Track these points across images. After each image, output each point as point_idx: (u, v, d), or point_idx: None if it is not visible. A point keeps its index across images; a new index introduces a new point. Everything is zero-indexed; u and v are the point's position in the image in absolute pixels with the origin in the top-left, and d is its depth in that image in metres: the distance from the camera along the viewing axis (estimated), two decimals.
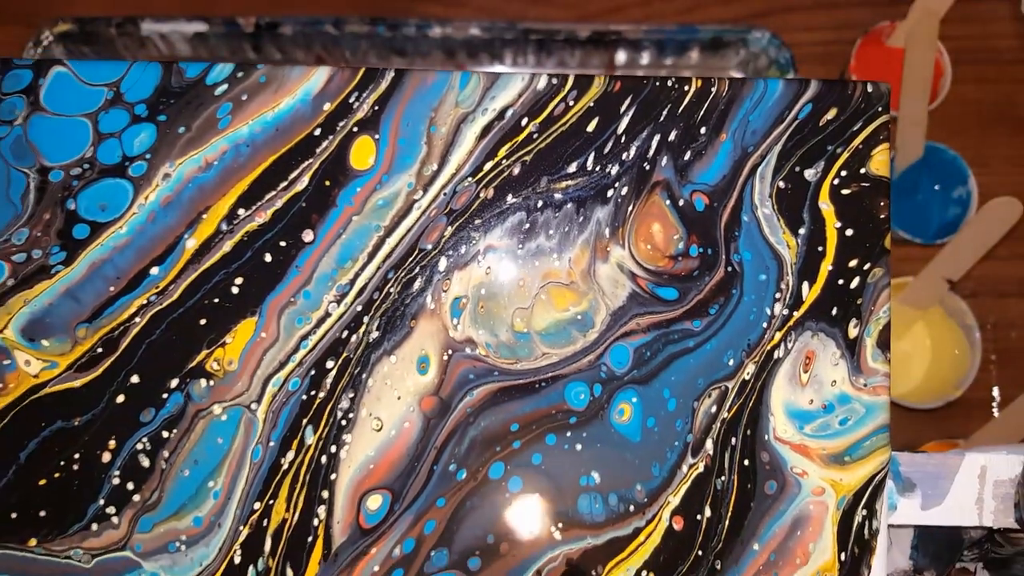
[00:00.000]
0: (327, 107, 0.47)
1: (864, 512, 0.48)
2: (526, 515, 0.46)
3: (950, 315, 0.76)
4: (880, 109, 0.49)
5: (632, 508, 0.47)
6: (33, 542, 0.46)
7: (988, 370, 0.78)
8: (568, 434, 0.47)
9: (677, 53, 0.78)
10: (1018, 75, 0.83)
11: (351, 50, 0.77)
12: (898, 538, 0.51)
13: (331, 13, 0.77)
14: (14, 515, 0.46)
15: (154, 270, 0.47)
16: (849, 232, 0.48)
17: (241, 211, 0.47)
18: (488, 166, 0.48)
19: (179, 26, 0.75)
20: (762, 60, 0.77)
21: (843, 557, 0.47)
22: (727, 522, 0.47)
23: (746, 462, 0.47)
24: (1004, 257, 0.77)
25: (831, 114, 0.49)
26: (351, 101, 0.48)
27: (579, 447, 0.47)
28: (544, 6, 0.83)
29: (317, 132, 0.47)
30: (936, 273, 0.72)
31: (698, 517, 0.47)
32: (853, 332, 0.48)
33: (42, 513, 0.46)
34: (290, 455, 0.46)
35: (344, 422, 0.46)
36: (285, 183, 0.47)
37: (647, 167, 0.48)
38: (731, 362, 0.47)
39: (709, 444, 0.47)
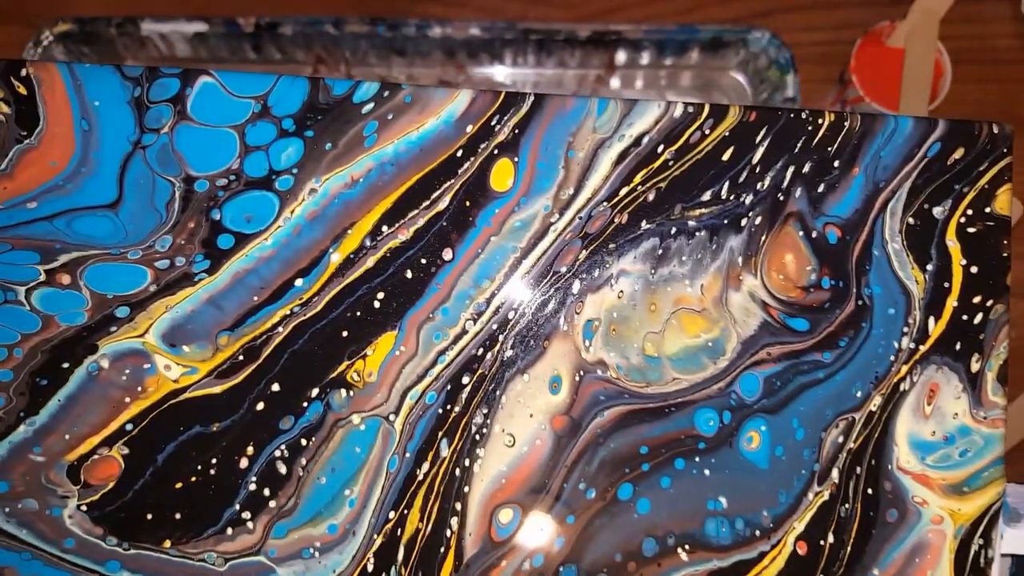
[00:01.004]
0: (470, 129, 0.46)
1: (980, 541, 0.46)
2: (653, 536, 0.45)
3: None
4: (1005, 151, 0.47)
5: (758, 533, 0.45)
6: (167, 543, 0.45)
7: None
8: (697, 459, 0.45)
9: (677, 53, 0.76)
10: (1018, 75, 0.81)
11: (351, 50, 0.75)
12: (999, 566, 0.49)
13: (331, 13, 0.74)
14: (150, 516, 0.45)
15: (298, 282, 0.45)
16: (974, 269, 0.47)
17: (385, 228, 0.46)
18: (623, 191, 0.46)
19: (179, 26, 0.73)
20: (762, 60, 0.75)
21: None
22: (849, 548, 0.45)
23: (870, 491, 0.46)
24: None
25: (958, 153, 0.47)
26: (493, 124, 0.46)
27: (707, 472, 0.45)
28: (544, 6, 0.81)
29: (459, 153, 0.46)
30: None
31: (821, 543, 0.45)
32: (975, 366, 0.46)
33: (177, 515, 0.45)
34: (425, 466, 0.45)
35: (478, 437, 0.45)
36: (427, 202, 0.46)
37: (781, 198, 0.46)
38: (859, 394, 0.46)
39: (835, 473, 0.45)
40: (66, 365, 0.46)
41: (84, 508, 0.45)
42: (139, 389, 0.46)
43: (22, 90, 0.47)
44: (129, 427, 0.46)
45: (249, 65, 0.76)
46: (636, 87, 0.78)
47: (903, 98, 0.72)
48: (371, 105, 0.47)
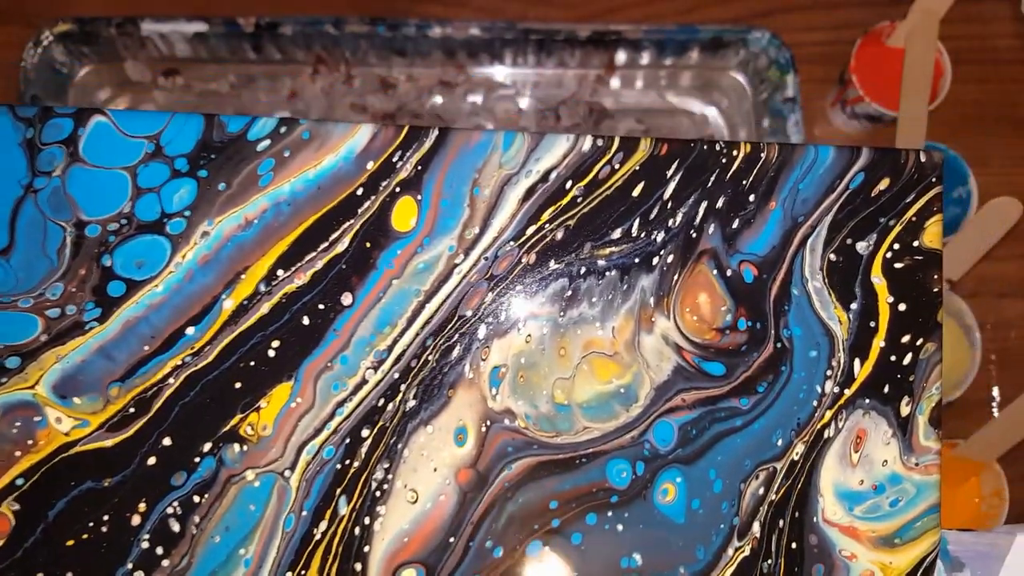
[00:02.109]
0: (370, 166, 0.41)
1: None
2: None
3: (950, 315, 0.68)
4: (933, 180, 0.42)
5: None
6: None
7: (988, 370, 0.70)
8: (609, 513, 0.40)
9: (677, 53, 0.70)
10: (1018, 75, 0.75)
11: (351, 50, 0.70)
12: None
13: (331, 13, 0.69)
14: (40, 575, 0.39)
15: (190, 330, 0.40)
16: (902, 307, 0.41)
17: (280, 272, 0.40)
18: (531, 230, 0.41)
19: (179, 26, 0.68)
20: (762, 60, 0.69)
21: None
22: None
23: (793, 545, 0.40)
24: (1004, 257, 0.69)
25: (883, 184, 0.42)
26: (395, 160, 0.41)
27: (620, 527, 0.39)
28: (544, 6, 0.75)
29: (359, 192, 0.41)
30: None
31: None
32: (905, 410, 0.41)
33: (69, 575, 0.39)
34: (323, 525, 0.39)
35: (379, 493, 0.40)
36: (326, 244, 0.41)
37: (694, 235, 0.41)
38: (780, 442, 0.40)
39: (756, 527, 0.40)
40: None
41: None
42: (30, 442, 0.41)
43: None
44: (20, 482, 0.41)
45: (249, 65, 0.71)
46: (636, 87, 0.73)
47: (903, 98, 0.66)
48: (267, 142, 0.42)
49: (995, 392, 0.70)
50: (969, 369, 0.68)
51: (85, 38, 0.69)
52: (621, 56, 0.71)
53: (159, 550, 0.41)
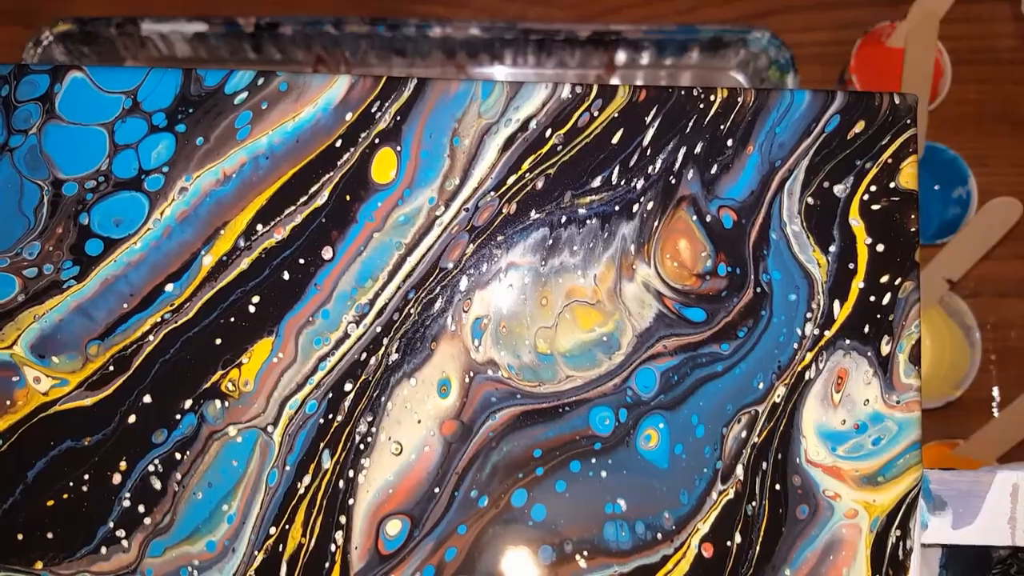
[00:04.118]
0: (349, 117, 0.35)
1: (898, 533, 0.36)
2: (550, 543, 0.34)
3: (950, 315, 0.62)
4: (908, 122, 0.36)
5: (660, 536, 0.34)
6: (39, 565, 0.34)
7: (988, 370, 0.64)
8: (593, 460, 0.34)
9: (677, 53, 0.64)
10: (1018, 75, 0.69)
11: (351, 50, 0.64)
12: (927, 557, 0.38)
13: (331, 13, 0.63)
14: (20, 536, 0.34)
15: (169, 287, 0.34)
16: (880, 248, 0.36)
17: (259, 227, 0.35)
18: (511, 180, 0.35)
19: (179, 26, 0.62)
20: (762, 60, 0.64)
21: None
22: (758, 548, 0.35)
23: (777, 487, 0.35)
24: (1004, 257, 0.63)
25: (859, 127, 0.36)
26: (373, 111, 0.35)
27: (604, 474, 0.34)
28: (544, 6, 0.68)
29: (338, 144, 0.35)
30: (936, 273, 0.59)
31: (728, 544, 0.34)
32: (885, 349, 0.36)
33: (49, 535, 0.34)
34: (307, 479, 0.34)
35: (363, 446, 0.34)
36: (305, 197, 0.35)
37: (673, 181, 0.35)
38: (761, 385, 0.35)
39: (739, 470, 0.35)
40: None
41: None
42: (8, 403, 0.35)
43: None
44: None
45: (249, 65, 0.65)
46: None
47: None
48: (244, 95, 0.36)
49: (995, 392, 0.65)
50: (969, 369, 0.62)
51: (85, 38, 0.63)
52: (621, 56, 0.65)
53: (141, 508, 0.35)
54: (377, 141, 0.37)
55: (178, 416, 0.35)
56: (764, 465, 0.36)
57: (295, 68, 0.65)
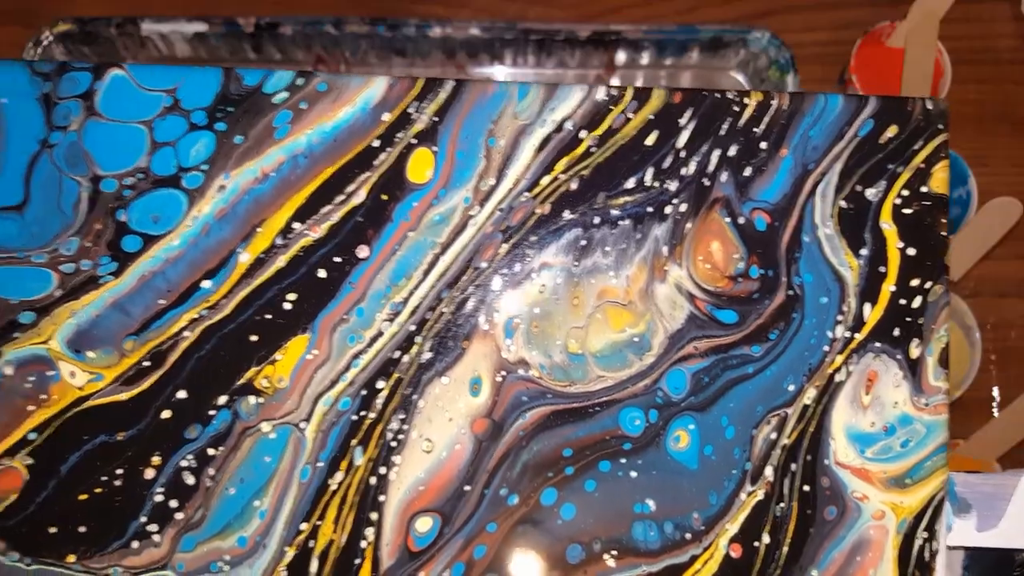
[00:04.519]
0: (386, 117, 0.34)
1: (925, 535, 0.35)
2: (579, 542, 0.33)
3: (950, 315, 0.60)
4: (940, 127, 0.35)
5: (689, 536, 0.33)
6: (72, 558, 0.34)
7: (988, 370, 0.62)
8: (623, 460, 0.33)
9: (677, 53, 0.62)
10: (1018, 75, 0.67)
11: (351, 50, 0.62)
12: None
13: (331, 13, 0.61)
14: (53, 529, 0.34)
15: (206, 283, 0.34)
16: (911, 251, 0.35)
17: (296, 225, 0.34)
18: (545, 180, 0.35)
19: (179, 26, 0.60)
20: (762, 60, 0.61)
21: None
22: (786, 549, 0.34)
23: (806, 488, 0.34)
24: (1004, 257, 0.61)
25: (891, 131, 0.36)
26: (410, 111, 0.35)
27: (634, 474, 0.33)
28: (544, 6, 0.66)
29: (376, 143, 0.34)
30: None
31: (756, 544, 0.34)
32: (915, 352, 0.35)
33: (82, 528, 0.34)
34: (339, 476, 0.33)
35: (394, 443, 0.33)
36: (342, 196, 0.34)
37: (706, 183, 0.35)
38: (791, 387, 0.34)
39: (768, 471, 0.34)
40: None
41: None
42: (43, 397, 0.34)
43: None
44: (33, 436, 0.35)
45: (249, 65, 0.63)
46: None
47: None
48: (284, 95, 0.36)
49: (995, 392, 0.63)
50: (969, 369, 0.61)
51: (85, 38, 0.61)
52: (621, 56, 0.63)
53: (173, 503, 0.34)
54: (414, 141, 0.36)
55: (212, 412, 0.35)
56: (793, 466, 0.35)
57: (295, 68, 0.63)
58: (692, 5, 0.67)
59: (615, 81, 0.64)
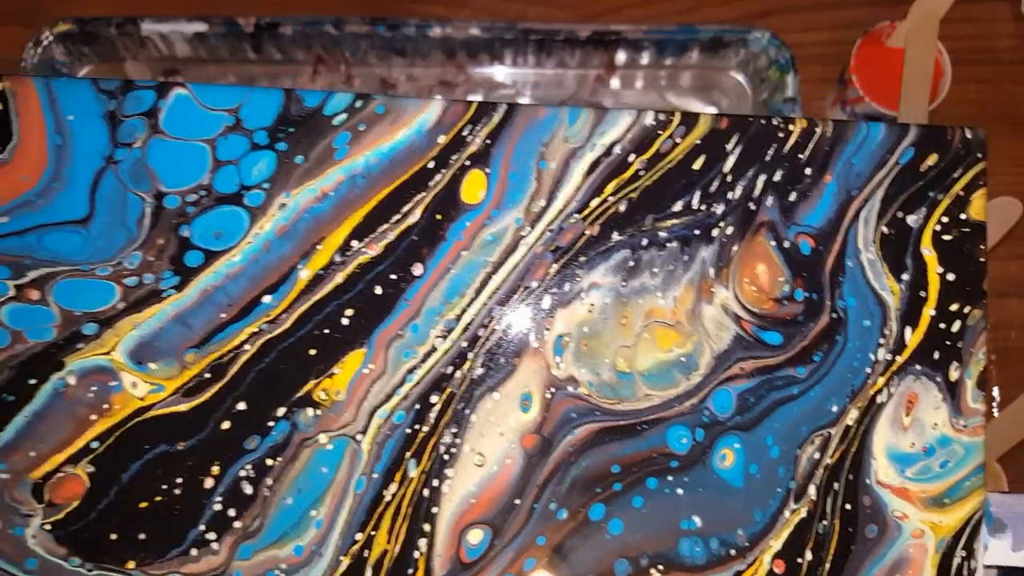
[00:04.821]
0: (441, 140, 0.35)
1: (963, 553, 0.35)
2: (626, 557, 0.33)
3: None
4: (979, 156, 0.36)
5: (733, 552, 0.34)
6: (131, 565, 0.34)
7: (988, 370, 0.61)
8: (670, 478, 0.34)
9: (677, 53, 0.61)
10: (1018, 75, 0.66)
11: (351, 50, 0.61)
12: None
13: (331, 13, 0.60)
14: (114, 536, 0.34)
15: (266, 299, 0.34)
16: (950, 277, 0.36)
17: (355, 243, 0.35)
18: (594, 203, 0.35)
19: (179, 26, 0.59)
20: (762, 60, 0.60)
21: None
22: (828, 566, 0.35)
23: (848, 506, 0.34)
24: (1004, 257, 0.61)
25: (932, 159, 0.36)
26: (464, 134, 0.35)
27: (680, 491, 0.34)
28: (544, 6, 0.65)
29: (431, 165, 0.35)
30: None
31: (799, 561, 0.34)
32: (954, 375, 0.35)
33: (142, 536, 0.34)
34: (393, 487, 0.34)
35: (447, 456, 0.34)
36: (398, 216, 0.35)
37: (752, 207, 0.35)
38: (834, 408, 0.35)
39: (812, 490, 0.34)
40: (33, 381, 0.36)
41: (48, 527, 0.35)
42: (105, 406, 0.35)
43: None
44: (95, 445, 0.35)
45: (249, 65, 0.63)
46: (636, 87, 0.64)
47: (903, 98, 0.58)
48: (343, 116, 0.36)
49: (995, 392, 0.63)
50: None
51: (85, 38, 0.60)
52: (621, 56, 0.62)
53: (231, 512, 0.35)
54: (468, 163, 0.37)
55: (271, 423, 0.35)
56: (836, 485, 0.36)
57: (295, 68, 0.63)
58: (692, 5, 0.66)
59: (615, 81, 0.63)
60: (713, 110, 0.63)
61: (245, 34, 0.60)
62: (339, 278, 0.36)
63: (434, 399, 0.36)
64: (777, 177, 0.37)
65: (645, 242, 0.37)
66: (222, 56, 0.62)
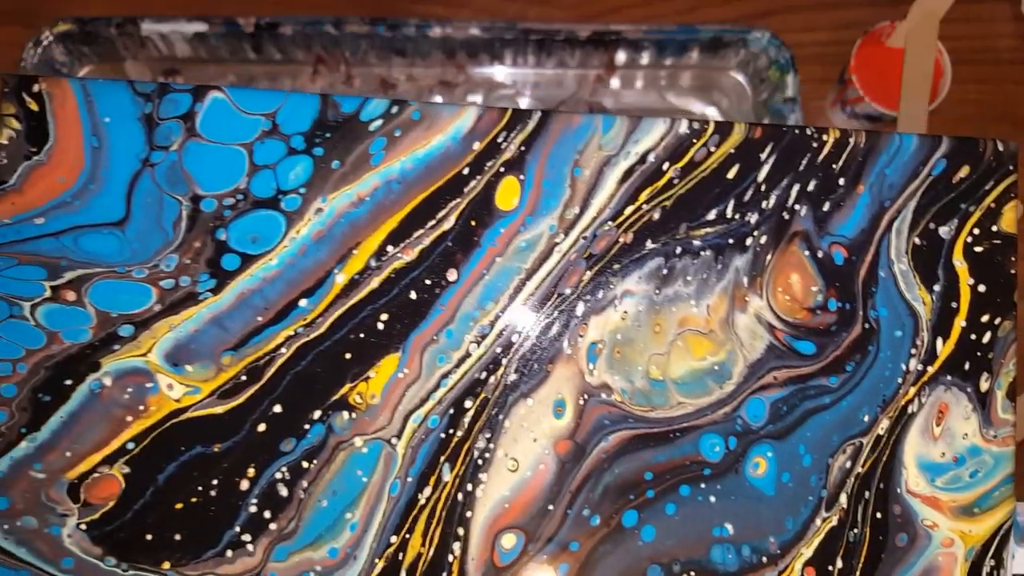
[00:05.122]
0: (476, 146, 0.35)
1: (992, 562, 0.36)
2: (659, 563, 0.33)
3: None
4: (1010, 168, 0.36)
5: (765, 559, 0.34)
6: (167, 565, 0.34)
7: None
8: (702, 485, 0.34)
9: (677, 53, 0.61)
10: (1018, 75, 0.65)
11: (351, 50, 0.61)
12: None
13: (331, 13, 0.60)
14: (149, 537, 0.34)
15: (303, 302, 0.34)
16: (981, 288, 0.35)
17: (390, 248, 0.35)
18: (628, 210, 0.35)
19: (179, 26, 0.59)
20: (762, 60, 0.60)
21: None
22: (858, 573, 0.35)
23: (878, 515, 0.34)
24: None
25: (963, 172, 0.36)
26: (499, 141, 0.35)
27: (713, 499, 0.34)
28: (544, 6, 0.65)
29: (465, 171, 0.35)
30: None
31: (829, 568, 0.34)
32: (984, 385, 0.35)
33: (177, 537, 0.34)
34: (427, 491, 0.34)
35: (480, 461, 0.34)
36: (433, 221, 0.35)
37: (786, 216, 0.35)
38: (866, 418, 0.35)
39: (843, 498, 0.34)
40: (69, 382, 0.35)
41: (83, 527, 0.35)
42: (141, 408, 0.35)
43: (33, 106, 0.36)
44: (131, 446, 0.35)
45: (249, 65, 0.62)
46: (636, 87, 0.63)
47: (903, 98, 0.57)
48: (379, 122, 0.36)
49: None
50: None
51: (85, 38, 0.60)
52: (621, 56, 0.61)
53: (267, 514, 0.35)
54: (502, 170, 0.37)
55: (307, 426, 0.35)
56: (867, 494, 0.36)
57: (295, 68, 0.62)
58: (692, 5, 0.65)
59: (615, 81, 0.62)
60: (713, 110, 0.62)
61: (245, 34, 0.59)
62: (375, 283, 0.36)
63: (468, 404, 0.36)
64: (811, 187, 0.37)
65: (679, 250, 0.37)
66: (222, 56, 0.61)
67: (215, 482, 0.35)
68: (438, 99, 0.62)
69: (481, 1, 0.65)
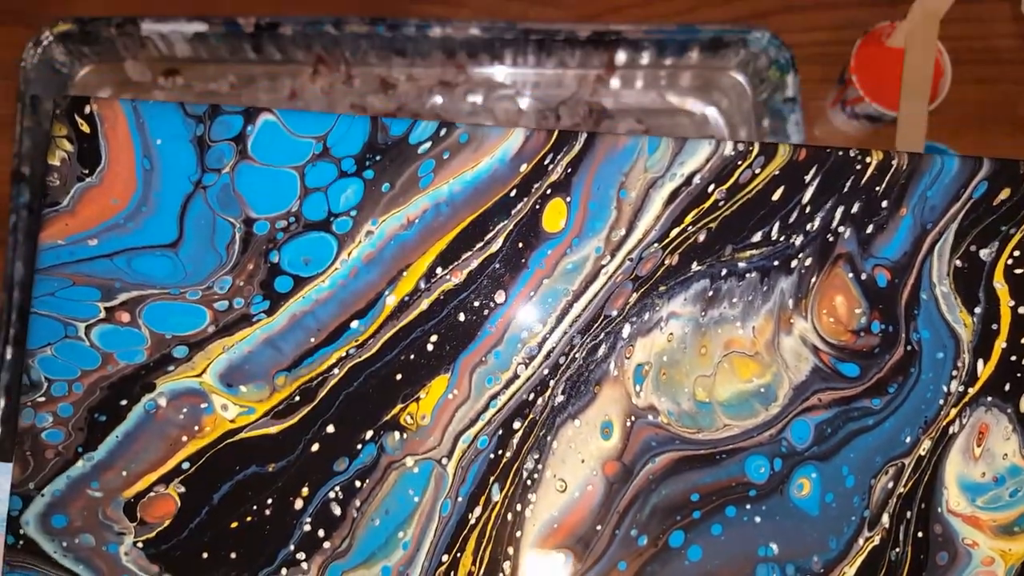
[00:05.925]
0: (524, 168, 0.35)
1: None
2: None
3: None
4: None
5: None
6: None
7: None
8: (748, 507, 0.34)
9: (677, 53, 0.60)
10: (1018, 75, 0.64)
11: (351, 50, 0.60)
12: None
13: (331, 13, 0.59)
14: (205, 555, 0.34)
15: (355, 324, 0.34)
16: (1022, 310, 0.35)
17: (439, 270, 0.34)
18: (674, 232, 0.35)
19: (179, 26, 0.58)
20: (762, 60, 0.59)
21: None
22: None
23: (920, 534, 0.34)
24: None
25: (1004, 194, 0.35)
26: (546, 163, 0.35)
27: (758, 519, 0.34)
28: (544, 6, 0.64)
29: (513, 193, 0.34)
30: None
31: None
32: None
33: (232, 555, 0.34)
34: (477, 510, 0.33)
35: (529, 482, 0.33)
36: (481, 244, 0.35)
37: (830, 239, 0.35)
38: (908, 439, 0.34)
39: (885, 518, 0.34)
40: (124, 402, 0.35)
41: (140, 545, 0.34)
42: (196, 428, 0.35)
43: (85, 128, 0.36)
44: (186, 465, 0.35)
45: (249, 65, 0.61)
46: (636, 87, 0.62)
47: (903, 98, 0.57)
48: (428, 144, 0.36)
49: None
50: None
51: (85, 38, 0.59)
52: (621, 56, 0.60)
53: (320, 532, 0.35)
54: (549, 192, 0.36)
55: (359, 446, 0.35)
56: (908, 514, 0.36)
57: (295, 68, 0.61)
58: (692, 5, 0.64)
59: (615, 81, 0.61)
60: (713, 110, 0.61)
61: (245, 34, 0.58)
62: (424, 304, 0.36)
63: (516, 425, 0.35)
64: (855, 209, 0.36)
65: (724, 272, 0.36)
66: (222, 56, 0.60)
67: (269, 501, 0.35)
68: (438, 99, 0.61)
69: (481, 1, 0.63)
